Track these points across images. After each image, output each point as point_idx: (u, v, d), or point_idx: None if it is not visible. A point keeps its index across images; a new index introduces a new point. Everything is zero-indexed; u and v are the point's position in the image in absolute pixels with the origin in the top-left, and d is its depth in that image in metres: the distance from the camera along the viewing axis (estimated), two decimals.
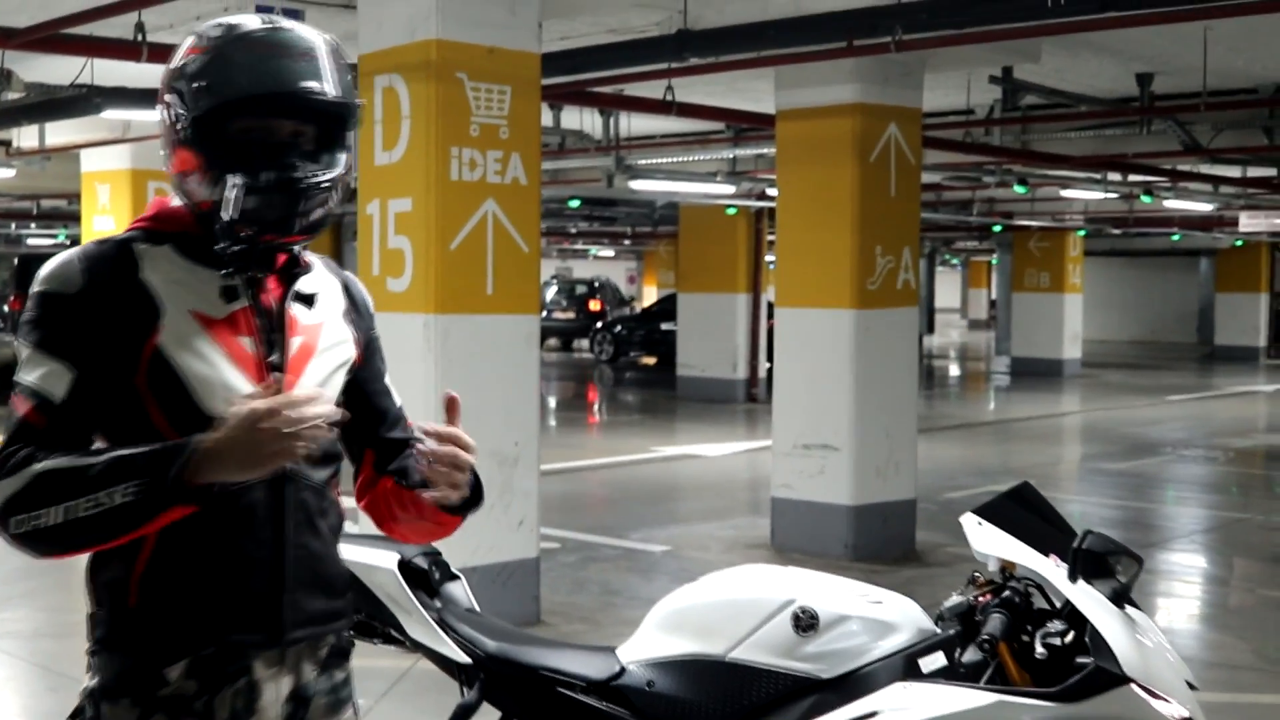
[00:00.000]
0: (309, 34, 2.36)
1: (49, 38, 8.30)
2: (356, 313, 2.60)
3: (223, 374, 2.32)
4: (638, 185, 15.54)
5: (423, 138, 7.37)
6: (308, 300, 2.49)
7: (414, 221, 7.44)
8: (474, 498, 2.55)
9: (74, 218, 20.41)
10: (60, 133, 14.46)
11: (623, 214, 27.04)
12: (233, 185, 2.29)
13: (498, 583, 7.61)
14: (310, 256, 2.55)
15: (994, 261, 41.30)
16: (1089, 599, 3.09)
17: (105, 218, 15.42)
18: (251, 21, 2.35)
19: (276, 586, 2.38)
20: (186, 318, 2.33)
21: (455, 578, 3.69)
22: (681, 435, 17.90)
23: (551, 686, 3.34)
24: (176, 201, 2.44)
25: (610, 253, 49.63)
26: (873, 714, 3.09)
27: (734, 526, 11.11)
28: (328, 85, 2.33)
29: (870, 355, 9.77)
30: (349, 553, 3.22)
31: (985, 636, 3.08)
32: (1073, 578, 3.09)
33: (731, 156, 16.00)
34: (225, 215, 2.31)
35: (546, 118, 13.48)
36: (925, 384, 26.39)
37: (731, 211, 21.08)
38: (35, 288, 2.34)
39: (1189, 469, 15.26)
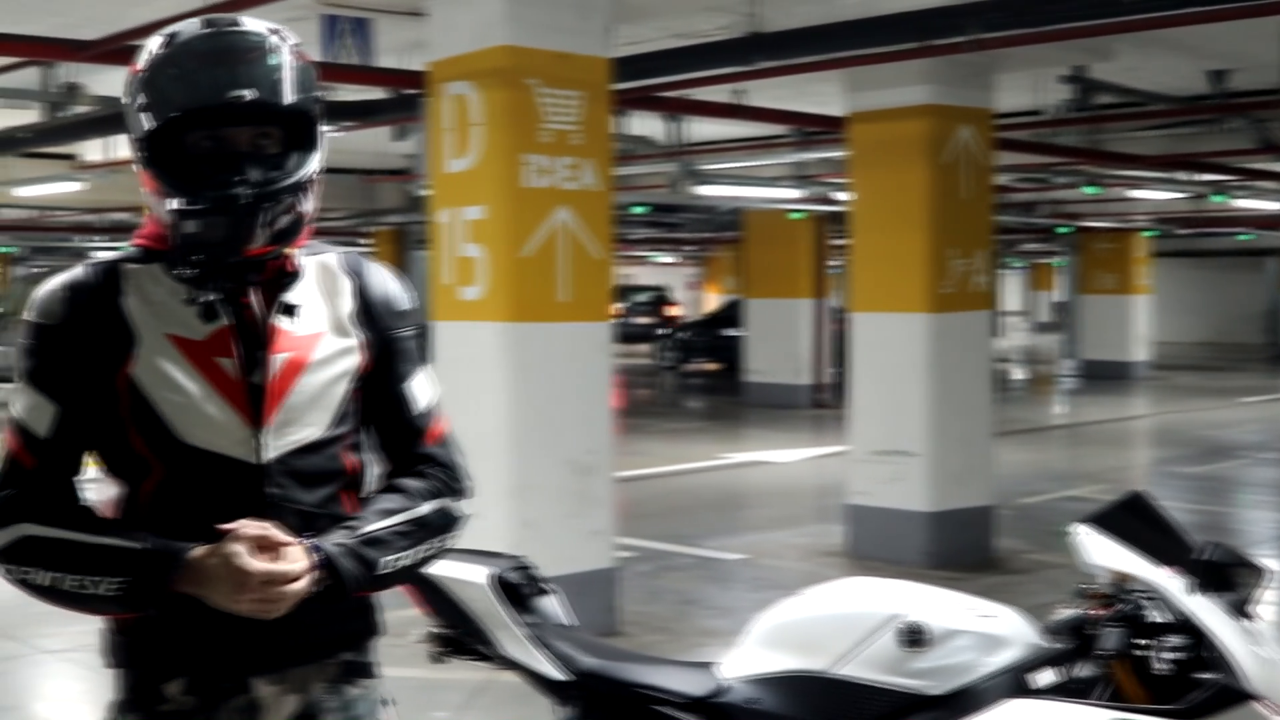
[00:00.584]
0: (252, 32, 2.26)
1: (117, 50, 8.29)
2: (369, 314, 2.45)
3: (196, 401, 2.26)
4: (703, 191, 15.44)
5: (493, 145, 7.32)
6: (295, 311, 2.36)
7: (485, 229, 7.39)
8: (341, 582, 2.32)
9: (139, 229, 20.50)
10: (127, 146, 14.52)
11: (685, 220, 26.95)
12: (169, 210, 2.23)
13: (574, 593, 7.48)
14: (318, 255, 2.44)
15: (1058, 263, 40.90)
16: (1209, 613, 2.98)
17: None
18: (191, 27, 2.26)
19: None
20: (163, 342, 2.27)
21: (548, 591, 3.61)
22: (749, 441, 17.79)
23: (650, 703, 3.26)
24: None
25: (671, 259, 49.54)
26: None
27: (808, 534, 10.99)
28: (272, 87, 2.22)
29: (945, 360, 9.64)
30: (439, 567, 3.16)
31: (1100, 651, 2.97)
32: (1194, 590, 2.97)
33: (797, 161, 15.87)
34: (171, 239, 2.25)
35: (612, 123, 13.40)
36: (1002, 388, 26.12)
37: (796, 216, 20.94)
38: (26, 315, 2.32)
39: (1266, 472, 15.01)
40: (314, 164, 2.31)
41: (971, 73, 9.58)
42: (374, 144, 14.34)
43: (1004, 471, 12.88)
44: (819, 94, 12.22)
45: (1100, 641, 3.01)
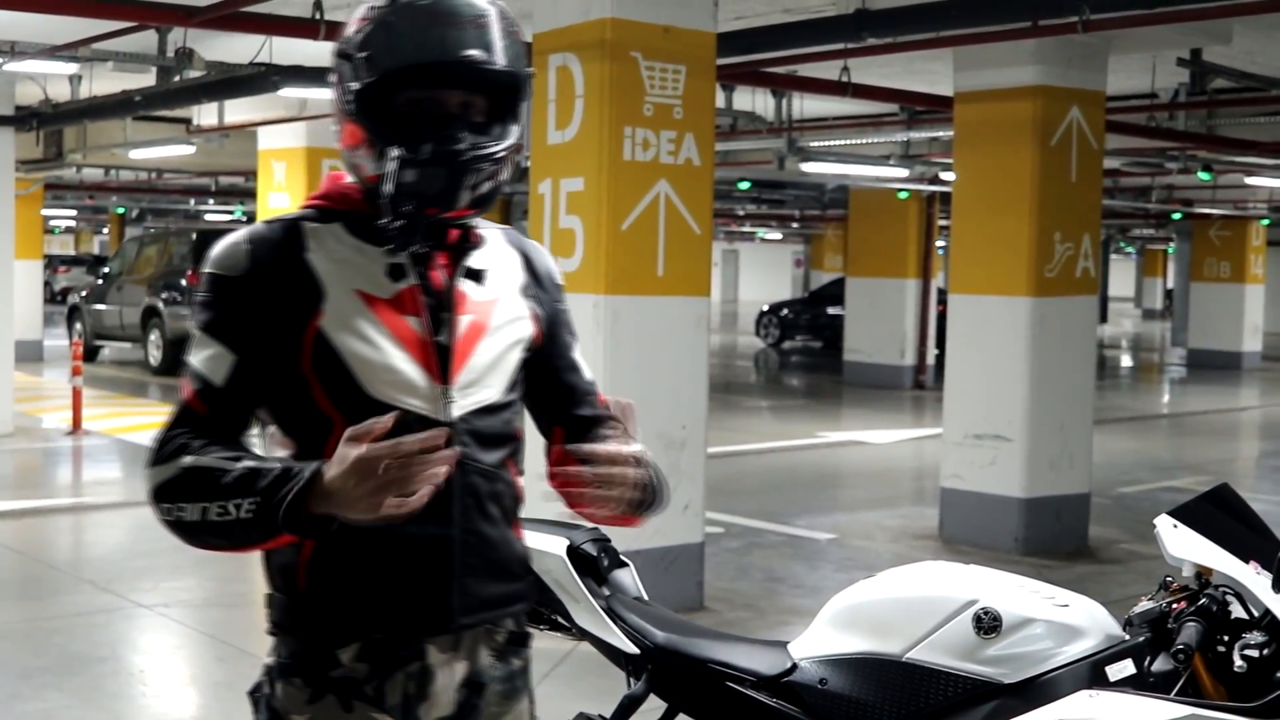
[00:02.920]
0: (478, 1, 2.28)
1: (229, 15, 8.41)
2: (539, 286, 2.52)
3: (387, 356, 2.28)
4: (809, 168, 15.35)
5: (596, 117, 7.32)
6: (479, 276, 2.41)
7: (586, 201, 7.40)
8: (652, 499, 2.48)
9: (250, 194, 20.81)
10: (238, 110, 14.72)
11: (791, 197, 26.84)
12: (392, 158, 2.24)
13: (661, 567, 7.55)
14: (487, 229, 2.49)
15: (1171, 250, 40.23)
16: None
17: (280, 194, 15.67)
18: None
19: (445, 572, 2.33)
20: (351, 298, 2.29)
21: (624, 564, 3.62)
22: (847, 421, 17.72)
23: (721, 680, 3.26)
24: (349, 178, 2.40)
25: (778, 235, 49.38)
26: None
27: (901, 516, 10.93)
28: (495, 54, 2.26)
29: (1046, 345, 9.52)
30: None
31: (1180, 646, 2.92)
32: (1277, 587, 2.91)
33: (905, 139, 15.75)
34: (385, 189, 2.27)
35: (718, 99, 13.37)
36: (1098, 375, 25.78)
37: (903, 195, 20.78)
38: (205, 269, 2.34)
39: None
40: (515, 135, 2.35)
41: (1084, 54, 9.43)
42: None
43: (1104, 460, 12.74)
44: (929, 72, 12.11)
45: (1180, 636, 2.96)
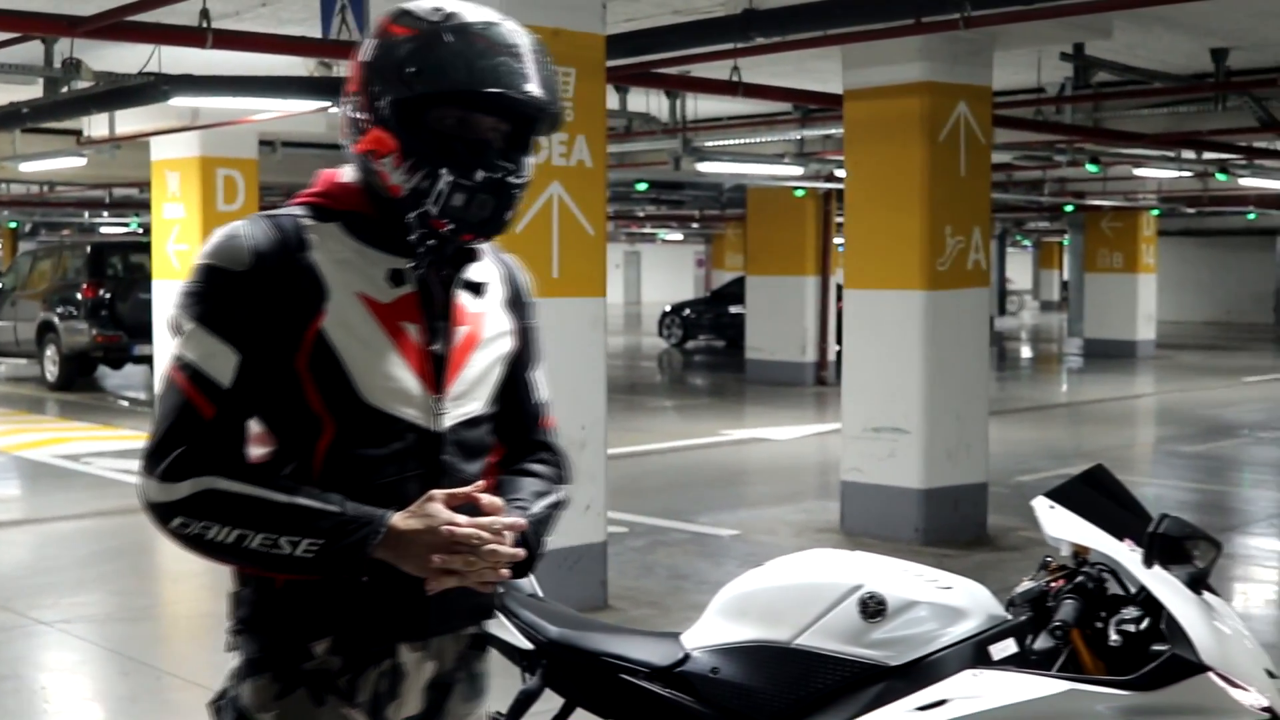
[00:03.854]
0: (519, 31, 2.30)
1: (114, 25, 8.32)
2: (518, 302, 2.54)
3: (386, 361, 2.28)
4: (705, 168, 15.46)
5: None
6: (477, 288, 2.42)
7: None
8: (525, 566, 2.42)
9: (146, 206, 20.58)
10: (130, 121, 14.55)
11: (690, 197, 26.99)
12: (445, 180, 2.24)
13: (565, 567, 7.58)
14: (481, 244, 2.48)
15: (1066, 242, 40.85)
16: (1164, 585, 3.00)
17: (175, 205, 15.53)
18: (468, 12, 2.28)
19: (423, 584, 2.29)
20: (353, 300, 2.28)
21: None
22: (750, 418, 17.84)
23: (614, 673, 3.30)
24: (347, 178, 2.38)
25: (679, 236, 49.56)
26: (941, 702, 3.02)
27: (804, 510, 11.03)
28: (542, 89, 2.27)
29: (941, 337, 9.66)
30: None
31: (1057, 623, 3.01)
32: (1148, 563, 3.00)
33: (799, 138, 15.89)
34: (430, 208, 2.26)
35: (613, 100, 13.43)
36: (997, 366, 26.16)
37: (799, 194, 20.96)
38: (201, 260, 2.27)
39: (1267, 451, 15.00)
40: (533, 160, 2.38)
41: (969, 50, 9.58)
42: None
43: (1002, 449, 12.93)
44: (820, 71, 12.24)
45: (1058, 613, 3.04)
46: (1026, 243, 53.92)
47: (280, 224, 2.30)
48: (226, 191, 15.30)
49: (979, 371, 10.06)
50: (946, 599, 3.20)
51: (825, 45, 9.22)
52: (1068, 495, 3.24)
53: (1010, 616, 3.22)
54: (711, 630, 3.32)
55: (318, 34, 9.06)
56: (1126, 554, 3.09)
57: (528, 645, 3.37)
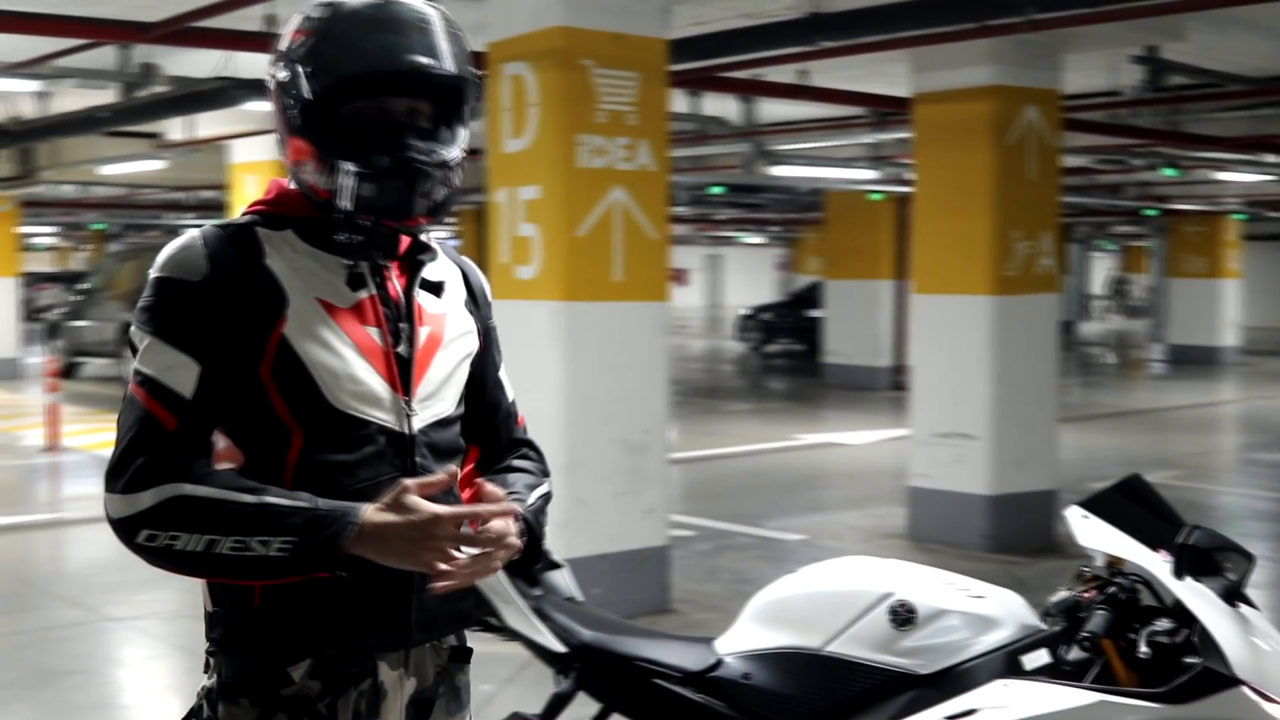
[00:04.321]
0: (419, 5, 2.25)
1: (181, 31, 8.43)
2: (474, 303, 2.50)
3: (351, 366, 2.23)
4: (777, 171, 15.41)
5: (549, 125, 7.37)
6: (435, 288, 2.39)
7: (542, 209, 7.45)
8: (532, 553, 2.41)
9: (225, 208, 20.83)
10: (207, 125, 14.75)
11: (769, 200, 26.90)
12: (346, 173, 2.20)
13: (626, 571, 7.61)
14: (433, 242, 2.45)
15: (1149, 247, 40.35)
16: (1197, 596, 2.97)
17: None
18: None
19: (405, 588, 2.28)
20: (313, 306, 2.24)
21: (558, 566, 3.67)
22: (825, 423, 17.78)
23: (647, 677, 3.32)
24: (295, 185, 2.35)
25: (760, 239, 49.42)
26: (970, 711, 3.01)
27: (873, 515, 10.98)
28: (442, 59, 2.22)
29: (1009, 343, 9.59)
30: None
31: (1085, 634, 2.98)
32: (1179, 574, 2.97)
33: (873, 141, 15.80)
34: (343, 205, 2.22)
35: (685, 104, 13.45)
36: (1079, 372, 25.91)
37: (876, 197, 20.86)
38: (155, 273, 2.23)
39: None
40: (465, 140, 2.32)
41: (1038, 53, 9.50)
42: None
43: (1077, 456, 12.81)
44: (893, 74, 12.15)
45: (1087, 624, 3.02)
46: (1111, 247, 53.29)
47: (235, 232, 2.27)
48: None
49: (1048, 377, 9.97)
50: (978, 608, 3.18)
51: (892, 49, 9.18)
52: (1102, 504, 3.21)
53: (1045, 627, 3.20)
54: (744, 636, 3.33)
55: None
56: (1160, 565, 3.06)
57: (561, 648, 3.39)
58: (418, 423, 2.30)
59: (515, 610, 3.45)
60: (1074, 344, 34.34)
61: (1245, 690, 2.90)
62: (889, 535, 10.10)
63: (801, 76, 10.26)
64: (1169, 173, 15.93)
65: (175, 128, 14.91)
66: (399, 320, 2.32)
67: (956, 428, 9.68)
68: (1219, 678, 2.90)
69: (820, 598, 3.29)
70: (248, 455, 2.24)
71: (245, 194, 15.81)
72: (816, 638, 3.21)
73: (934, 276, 9.90)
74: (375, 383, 2.25)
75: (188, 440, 2.18)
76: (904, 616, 3.14)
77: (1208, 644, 2.93)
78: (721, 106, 14.26)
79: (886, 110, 13.50)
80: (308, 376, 2.21)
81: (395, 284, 2.34)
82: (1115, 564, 3.17)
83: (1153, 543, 3.12)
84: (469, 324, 2.45)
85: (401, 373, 2.29)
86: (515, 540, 2.23)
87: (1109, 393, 23.23)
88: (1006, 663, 3.11)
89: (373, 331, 2.28)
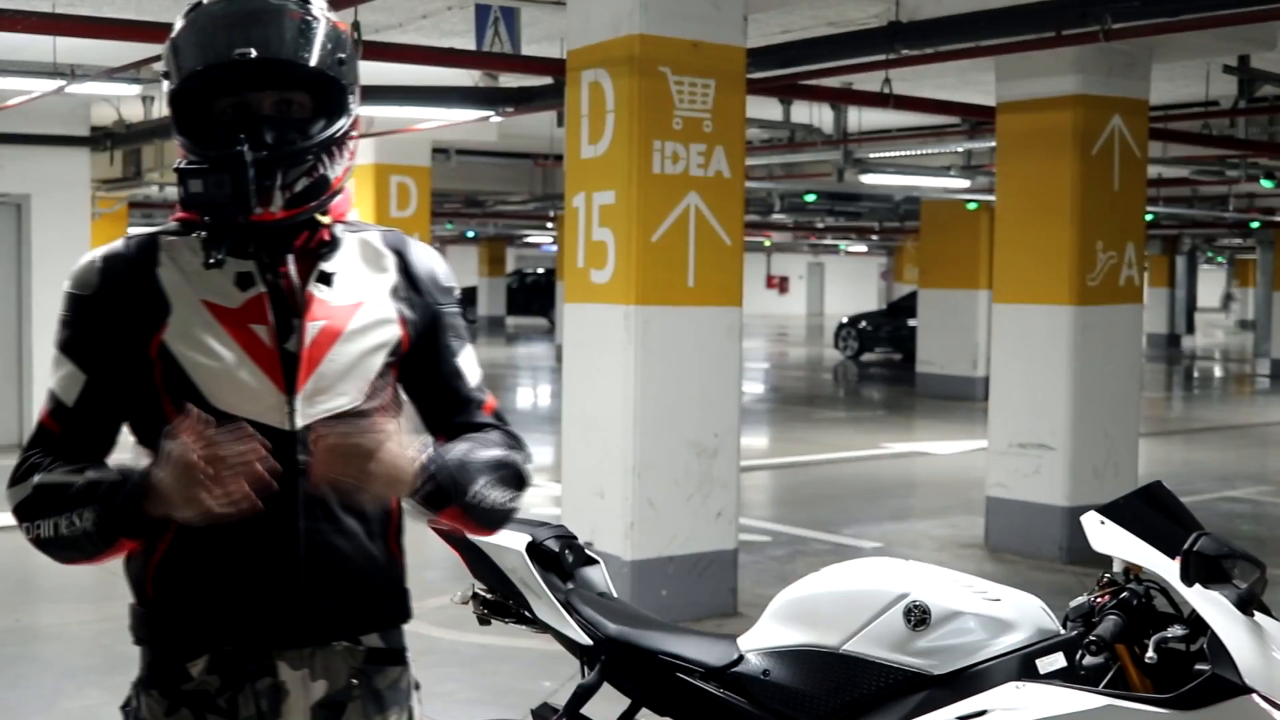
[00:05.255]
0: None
1: None
2: (414, 289, 2.44)
3: (228, 366, 2.25)
4: (868, 179, 15.42)
5: (625, 131, 7.46)
6: (329, 279, 2.35)
7: (617, 214, 7.54)
8: (442, 492, 2.31)
9: None
10: None
11: (867, 209, 26.83)
12: (174, 168, 2.26)
13: (693, 573, 7.67)
14: (362, 231, 2.44)
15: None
16: (1208, 603, 2.98)
17: (351, 211, 15.91)
18: None
19: (292, 584, 2.29)
20: (198, 309, 2.27)
21: (593, 561, 3.75)
22: (915, 432, 17.71)
23: (670, 671, 3.39)
24: None
25: (862, 248, 49.26)
26: (982, 712, 3.05)
27: (951, 525, 10.96)
28: (281, 48, 2.22)
29: (1090, 353, 9.53)
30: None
31: (1093, 638, 3.01)
32: (1188, 581, 2.98)
33: (965, 150, 15.74)
34: (183, 199, 2.27)
35: (776, 111, 13.49)
36: (1182, 386, 25.56)
37: (972, 206, 20.76)
38: (64, 287, 2.34)
39: None
40: (338, 127, 2.30)
41: (1124, 62, 9.44)
42: (547, 128, 14.60)
43: (1165, 470, 12.69)
44: (983, 83, 12.11)
45: (1097, 628, 3.04)
46: (1220, 260, 52.47)
47: (136, 244, 2.34)
48: (400, 198, 15.66)
49: (1129, 389, 9.89)
50: (993, 610, 3.22)
51: (975, 57, 9.16)
52: (1121, 511, 3.23)
53: (1062, 630, 3.22)
54: (766, 633, 3.39)
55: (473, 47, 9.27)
56: (1173, 570, 3.07)
57: (587, 641, 3.47)
58: (302, 419, 2.27)
59: (545, 603, 3.54)
60: (1177, 357, 33.86)
61: (1255, 698, 2.91)
62: (965, 545, 10.08)
63: (884, 85, 10.26)
64: (1266, 184, 15.71)
65: None
66: (292, 316, 2.31)
67: (1035, 438, 9.64)
68: (1228, 685, 2.90)
69: (839, 598, 3.34)
70: (152, 456, 2.25)
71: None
72: (834, 636, 3.26)
73: (1015, 286, 9.87)
74: (255, 381, 2.26)
75: (71, 443, 2.30)
76: (918, 617, 3.19)
77: (1217, 651, 2.94)
78: (810, 114, 14.30)
79: (979, 119, 13.46)
80: (187, 379, 2.26)
81: (294, 279, 2.33)
82: (1134, 571, 3.19)
83: (1171, 550, 3.13)
84: (387, 313, 2.39)
85: (288, 369, 2.28)
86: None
87: (1210, 407, 22.90)
88: (1021, 666, 3.13)
89: (260, 330, 2.28)
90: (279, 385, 2.27)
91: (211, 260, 2.26)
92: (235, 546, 2.26)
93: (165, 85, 2.31)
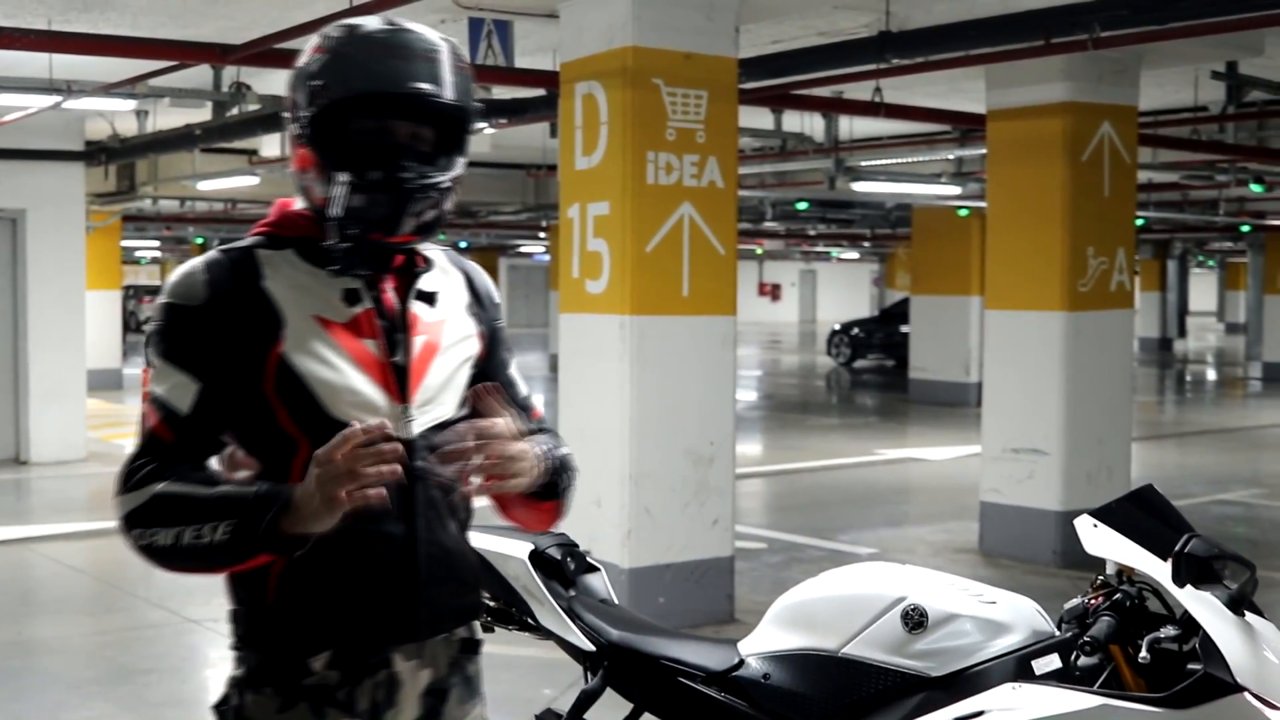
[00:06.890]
0: (429, 36, 2.40)
1: (264, 53, 8.67)
2: (479, 305, 2.62)
3: (347, 378, 2.37)
4: (859, 187, 15.48)
5: (619, 142, 7.52)
6: (430, 298, 2.52)
7: (611, 224, 7.60)
8: (559, 479, 2.56)
9: None
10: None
11: (859, 216, 26.91)
12: (340, 182, 2.35)
13: (691, 581, 7.72)
14: (431, 251, 2.59)
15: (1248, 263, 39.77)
16: (1199, 603, 3.04)
17: None
18: (373, 22, 2.41)
19: (411, 583, 2.41)
20: (309, 323, 2.38)
21: (594, 569, 3.80)
22: (907, 438, 17.77)
23: (672, 676, 3.44)
24: (299, 205, 2.50)
25: (854, 255, 49.33)
26: (978, 714, 3.10)
27: (945, 530, 11.02)
28: (444, 88, 2.37)
29: (1082, 358, 9.61)
30: (483, 542, 3.38)
31: (1087, 639, 3.07)
32: (1179, 582, 3.04)
33: (955, 157, 15.81)
34: (332, 211, 2.37)
35: (768, 120, 13.56)
36: (1172, 388, 25.65)
37: (963, 213, 20.83)
38: (161, 299, 2.41)
39: None
40: (461, 166, 2.47)
41: (1114, 69, 9.52)
42: (539, 139, 14.65)
43: (1158, 474, 12.75)
44: (974, 90, 12.17)
45: (1091, 629, 3.10)
46: (1211, 263, 52.61)
47: (235, 256, 2.43)
48: None
49: (1121, 393, 9.97)
50: (989, 613, 3.27)
51: (964, 65, 9.24)
52: (1113, 515, 3.28)
53: (1057, 632, 3.28)
54: (765, 638, 3.44)
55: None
56: (1164, 571, 3.13)
57: (590, 647, 3.52)
58: (416, 427, 2.41)
59: (548, 610, 3.59)
60: (1169, 361, 33.96)
61: (1246, 696, 2.96)
62: (960, 550, 10.14)
63: (875, 94, 10.34)
64: (1256, 188, 15.80)
65: (269, 144, 15.23)
66: (395, 331, 2.45)
67: (1028, 443, 9.71)
68: (1219, 683, 2.96)
69: (837, 602, 3.40)
70: (262, 465, 2.39)
71: None
72: (833, 640, 3.31)
73: (1007, 292, 9.94)
74: (372, 392, 2.39)
75: (185, 451, 2.36)
76: (915, 620, 3.24)
77: (1209, 650, 3.00)
78: (802, 123, 14.36)
79: (969, 127, 13.53)
80: (307, 391, 2.36)
81: (392, 296, 2.48)
82: (1126, 573, 3.25)
83: (1163, 553, 3.19)
84: (469, 328, 2.57)
85: (399, 381, 2.42)
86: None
87: (1202, 410, 22.98)
88: (1017, 667, 3.19)
89: (369, 344, 2.42)
90: (394, 396, 2.41)
91: (341, 271, 2.41)
92: (359, 549, 2.38)
93: (307, 99, 2.39)
